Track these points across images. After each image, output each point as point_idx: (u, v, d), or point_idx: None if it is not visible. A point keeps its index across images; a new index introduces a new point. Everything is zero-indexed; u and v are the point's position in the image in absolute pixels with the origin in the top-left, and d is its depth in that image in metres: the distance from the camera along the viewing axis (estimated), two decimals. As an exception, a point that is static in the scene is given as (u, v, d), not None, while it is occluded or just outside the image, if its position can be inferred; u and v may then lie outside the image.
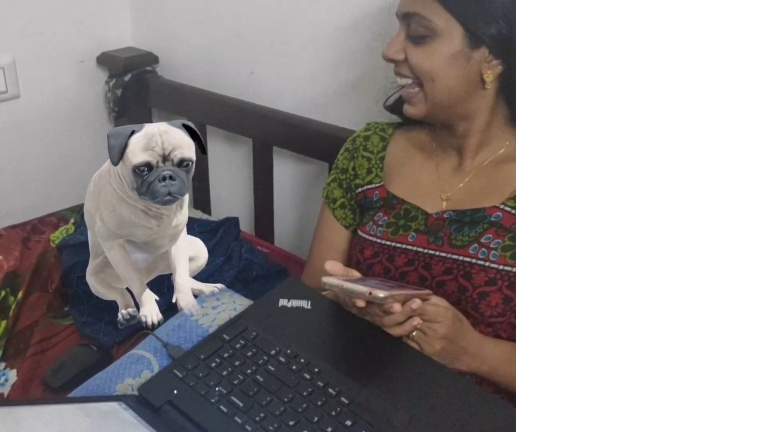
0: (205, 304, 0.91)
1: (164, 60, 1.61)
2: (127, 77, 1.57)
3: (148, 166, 0.81)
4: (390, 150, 1.05)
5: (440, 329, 0.80)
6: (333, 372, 0.74)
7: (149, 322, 0.93)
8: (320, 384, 0.72)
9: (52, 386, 0.96)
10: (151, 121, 1.58)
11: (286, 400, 0.71)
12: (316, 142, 1.33)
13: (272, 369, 0.74)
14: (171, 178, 0.81)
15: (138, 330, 1.02)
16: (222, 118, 1.47)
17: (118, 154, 0.81)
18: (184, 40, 1.57)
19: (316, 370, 0.74)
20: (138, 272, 0.97)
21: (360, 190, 1.05)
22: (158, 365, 0.80)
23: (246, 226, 1.52)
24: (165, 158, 0.81)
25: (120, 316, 1.03)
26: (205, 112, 1.50)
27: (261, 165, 1.45)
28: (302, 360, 0.75)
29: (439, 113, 0.93)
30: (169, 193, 0.82)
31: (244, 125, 1.44)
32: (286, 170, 1.47)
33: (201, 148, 0.86)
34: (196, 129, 0.85)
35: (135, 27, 1.65)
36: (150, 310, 0.94)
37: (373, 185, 1.03)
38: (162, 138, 0.81)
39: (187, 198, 0.93)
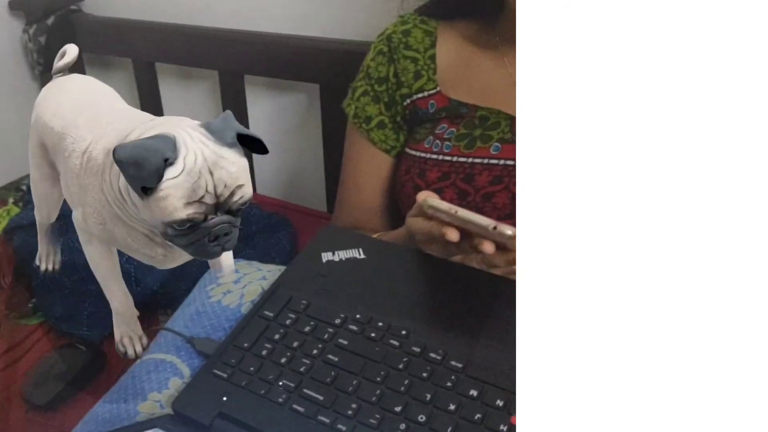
0: (221, 281, 0.70)
1: (89, -6, 1.34)
2: (50, 21, 1.30)
3: (193, 225, 0.50)
4: (440, 47, 0.83)
5: None
6: (426, 331, 0.56)
7: (129, 354, 0.66)
8: (416, 349, 0.54)
9: (37, 403, 0.79)
10: (83, 71, 1.32)
11: (378, 379, 0.52)
12: (304, 61, 1.11)
13: (345, 343, 0.55)
14: (226, 234, 0.51)
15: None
16: (176, 51, 1.23)
17: (151, 179, 0.47)
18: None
19: (403, 332, 0.56)
20: (122, 283, 0.64)
21: (409, 101, 0.83)
22: (188, 368, 0.59)
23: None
24: (218, 206, 0.50)
25: None
26: (152, 49, 1.25)
27: (232, 100, 1.21)
28: (380, 324, 0.57)
29: None
30: (222, 249, 0.53)
31: (205, 56, 1.20)
32: (263, 103, 1.25)
33: (262, 148, 0.52)
34: (252, 134, 0.51)
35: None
36: (128, 334, 0.63)
37: (425, 93, 0.82)
38: (213, 175, 0.49)
39: None
